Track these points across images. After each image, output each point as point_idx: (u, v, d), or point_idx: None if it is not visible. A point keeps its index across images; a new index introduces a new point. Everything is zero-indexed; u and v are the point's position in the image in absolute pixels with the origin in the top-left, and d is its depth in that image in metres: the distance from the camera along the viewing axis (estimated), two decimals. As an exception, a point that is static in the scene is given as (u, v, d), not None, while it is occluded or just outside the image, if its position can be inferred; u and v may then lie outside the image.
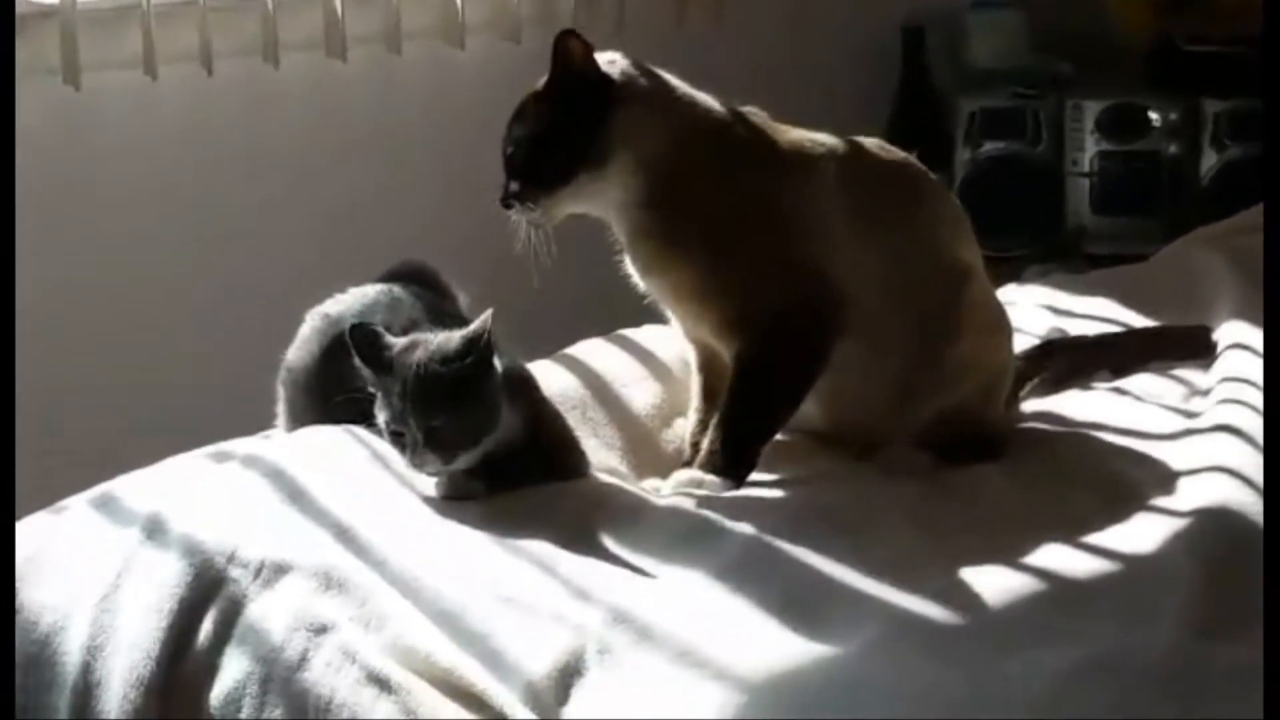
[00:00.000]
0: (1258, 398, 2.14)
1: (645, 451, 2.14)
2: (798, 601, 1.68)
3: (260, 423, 2.13)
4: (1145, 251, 2.98)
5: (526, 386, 1.95)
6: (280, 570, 1.77)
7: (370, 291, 2.09)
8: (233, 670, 1.73)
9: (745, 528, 1.82)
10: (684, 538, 1.81)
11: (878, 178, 2.13)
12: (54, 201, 2.76)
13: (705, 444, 2.04)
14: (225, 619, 1.76)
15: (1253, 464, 1.96)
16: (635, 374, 2.24)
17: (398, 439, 1.86)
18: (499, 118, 2.07)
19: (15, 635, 1.85)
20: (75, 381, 2.81)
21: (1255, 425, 2.06)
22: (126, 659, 1.78)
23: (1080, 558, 1.81)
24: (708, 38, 3.34)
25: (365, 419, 1.89)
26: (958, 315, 2.11)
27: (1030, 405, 2.30)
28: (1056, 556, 1.81)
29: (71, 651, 1.83)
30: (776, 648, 1.61)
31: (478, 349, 1.84)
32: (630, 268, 2.10)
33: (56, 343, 2.77)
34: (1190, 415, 2.21)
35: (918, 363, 2.09)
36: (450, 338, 1.86)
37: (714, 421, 2.04)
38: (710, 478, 1.99)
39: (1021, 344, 2.33)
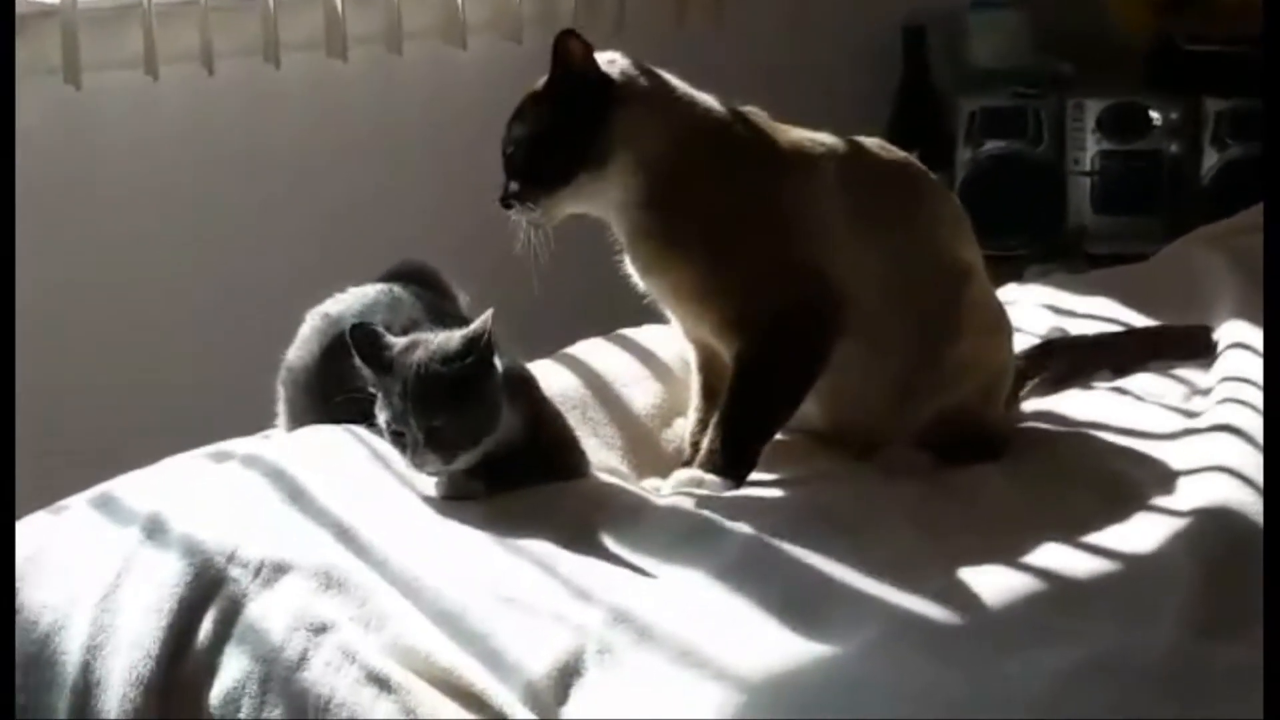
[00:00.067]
0: (1258, 397, 2.13)
1: (645, 451, 2.14)
2: (798, 601, 1.68)
3: (260, 423, 2.13)
4: (1146, 251, 2.98)
5: (527, 386, 1.95)
6: (280, 570, 1.77)
7: (370, 291, 2.09)
8: (232, 670, 1.73)
9: (745, 528, 1.82)
10: (684, 538, 1.81)
11: (878, 177, 2.13)
12: (54, 201, 2.76)
13: (705, 444, 2.04)
14: (225, 618, 1.76)
15: (1253, 464, 1.96)
16: (635, 374, 2.24)
17: (398, 439, 1.85)
18: (499, 118, 2.07)
19: (15, 635, 1.85)
20: (75, 381, 2.81)
21: (1255, 425, 2.06)
22: (126, 658, 1.78)
23: (1080, 558, 1.81)
24: (708, 38, 3.35)
25: (365, 419, 1.89)
26: (958, 315, 2.11)
27: (1030, 405, 2.30)
28: (1056, 556, 1.81)
29: (71, 651, 1.83)
30: (776, 648, 1.61)
31: (478, 349, 1.83)
32: (630, 268, 2.09)
33: (56, 343, 2.77)
34: (1190, 415, 2.21)
35: (918, 363, 2.09)
36: (451, 338, 1.86)
37: (714, 421, 2.04)
38: (710, 477, 1.99)
39: (1022, 343, 2.33)
